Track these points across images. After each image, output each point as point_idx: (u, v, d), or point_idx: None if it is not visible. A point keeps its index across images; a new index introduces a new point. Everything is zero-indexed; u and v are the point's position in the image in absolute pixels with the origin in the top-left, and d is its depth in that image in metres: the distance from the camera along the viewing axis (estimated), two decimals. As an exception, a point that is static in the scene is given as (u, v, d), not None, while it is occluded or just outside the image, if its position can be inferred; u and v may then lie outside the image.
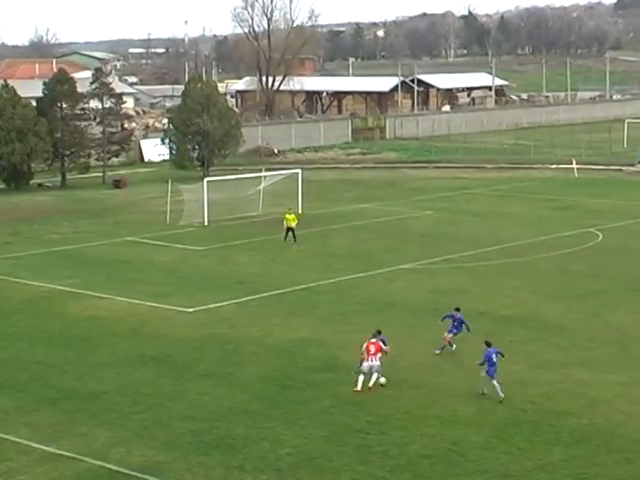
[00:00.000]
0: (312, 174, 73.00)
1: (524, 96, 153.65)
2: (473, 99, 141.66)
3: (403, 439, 23.84)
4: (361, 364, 27.25)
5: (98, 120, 74.80)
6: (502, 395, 26.13)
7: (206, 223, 54.30)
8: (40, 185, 72.97)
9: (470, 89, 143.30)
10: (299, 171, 60.64)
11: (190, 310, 36.04)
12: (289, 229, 48.72)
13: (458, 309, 31.06)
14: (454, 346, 30.50)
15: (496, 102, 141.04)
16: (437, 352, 30.39)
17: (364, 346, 27.54)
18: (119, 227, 54.68)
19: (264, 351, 30.90)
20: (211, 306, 36.43)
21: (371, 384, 27.02)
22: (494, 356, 26.58)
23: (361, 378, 27.02)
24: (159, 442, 23.75)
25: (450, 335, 30.55)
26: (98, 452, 23.16)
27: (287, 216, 49.18)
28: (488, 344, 27.00)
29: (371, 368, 27.13)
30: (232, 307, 36.56)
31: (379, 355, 27.38)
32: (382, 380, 27.35)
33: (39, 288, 39.90)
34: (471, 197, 66.00)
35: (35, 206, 62.97)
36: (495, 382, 26.33)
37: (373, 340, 27.61)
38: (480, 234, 51.41)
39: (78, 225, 55.56)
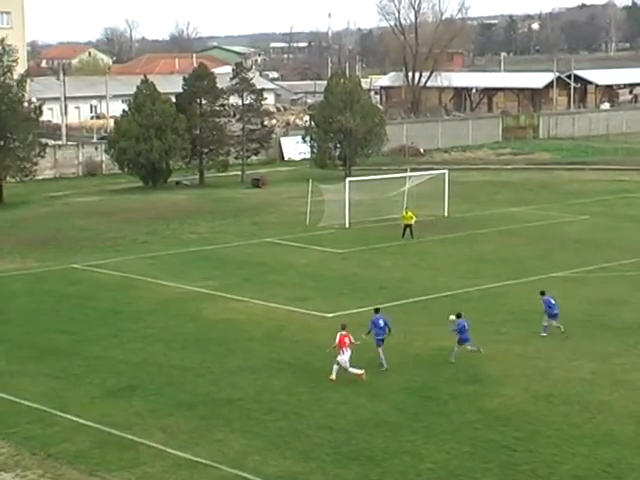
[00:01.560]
0: (459, 175, 72.53)
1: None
2: (635, 96, 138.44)
3: (553, 458, 23.47)
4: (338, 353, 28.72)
5: (238, 117, 76.06)
6: (453, 360, 29.94)
7: (347, 225, 54.59)
8: (178, 183, 74.73)
9: (632, 85, 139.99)
10: (446, 172, 60.36)
11: (329, 315, 36.30)
12: (407, 226, 50.97)
13: (460, 315, 31.18)
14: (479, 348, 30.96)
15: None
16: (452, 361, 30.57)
17: (337, 340, 28.78)
18: (257, 227, 55.51)
19: (406, 360, 30.89)
20: (352, 312, 36.59)
21: (354, 372, 28.67)
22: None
23: (335, 368, 28.53)
24: (295, 452, 24.01)
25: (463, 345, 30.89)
26: (233, 460, 23.56)
27: (404, 214, 51.69)
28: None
29: (345, 362, 28.66)
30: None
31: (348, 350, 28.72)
32: (356, 371, 28.79)
33: (175, 289, 40.86)
34: (632, 201, 64.43)
35: (172, 205, 64.49)
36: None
37: (344, 333, 28.88)
38: (641, 241, 50.27)
39: (215, 225, 56.66)
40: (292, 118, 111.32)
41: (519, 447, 24.09)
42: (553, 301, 33.35)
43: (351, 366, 28.86)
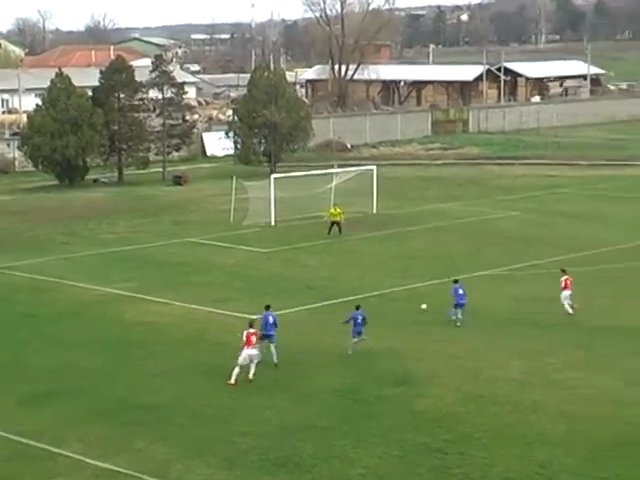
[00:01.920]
0: (388, 171, 72.89)
1: (623, 86, 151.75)
2: (566, 89, 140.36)
3: (484, 460, 23.73)
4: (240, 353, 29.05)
5: (158, 111, 75.62)
6: (350, 353, 31.03)
7: (273, 223, 54.60)
8: (95, 181, 74.05)
9: (563, 78, 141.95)
10: (374, 167, 60.62)
11: (254, 317, 36.23)
12: (333, 223, 51.74)
13: (358, 307, 32.37)
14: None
15: (591, 93, 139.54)
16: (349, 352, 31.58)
17: (244, 337, 29.20)
18: (179, 227, 55.25)
19: (334, 362, 31.00)
20: (278, 312, 36.52)
21: (251, 375, 28.88)
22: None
23: (236, 371, 28.80)
24: (220, 459, 23.96)
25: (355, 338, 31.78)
26: (155, 469, 23.43)
27: (332, 211, 52.32)
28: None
29: (251, 357, 29.02)
30: (300, 314, 36.71)
31: (257, 345, 29.34)
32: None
33: (93, 291, 40.51)
34: (562, 197, 65.38)
35: (90, 204, 63.91)
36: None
37: (252, 331, 29.40)
38: (572, 237, 50.92)
39: (135, 224, 56.26)
40: (215, 113, 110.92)
41: (450, 450, 24.31)
42: (462, 291, 34.76)
43: (253, 362, 29.23)
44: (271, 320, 30.89)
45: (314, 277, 42.79)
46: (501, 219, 56.63)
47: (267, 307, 31.51)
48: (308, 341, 33.21)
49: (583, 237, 50.99)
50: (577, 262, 44.70)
